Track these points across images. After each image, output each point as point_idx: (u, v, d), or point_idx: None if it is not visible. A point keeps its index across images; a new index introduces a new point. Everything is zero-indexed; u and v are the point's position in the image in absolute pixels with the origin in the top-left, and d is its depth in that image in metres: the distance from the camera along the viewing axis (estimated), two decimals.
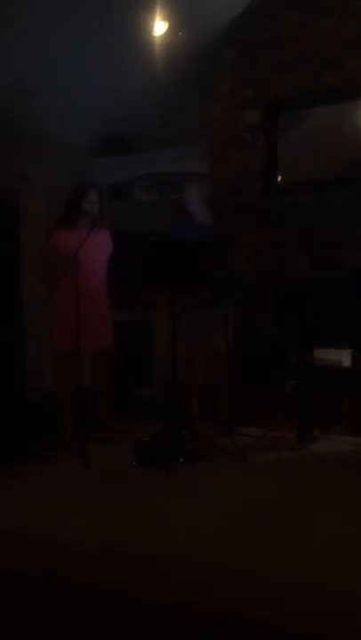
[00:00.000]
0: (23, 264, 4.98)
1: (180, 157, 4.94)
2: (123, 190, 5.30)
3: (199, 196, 4.06)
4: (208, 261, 3.37)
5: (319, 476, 3.19)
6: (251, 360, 4.23)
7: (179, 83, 4.73)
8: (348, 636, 1.90)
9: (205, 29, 4.62)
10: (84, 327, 3.58)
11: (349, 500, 2.84)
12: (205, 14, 4.50)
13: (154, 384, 4.96)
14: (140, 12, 4.11)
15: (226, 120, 4.85)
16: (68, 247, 3.60)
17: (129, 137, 5.30)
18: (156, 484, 3.09)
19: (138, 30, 4.23)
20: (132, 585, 2.20)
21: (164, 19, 4.21)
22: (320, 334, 3.66)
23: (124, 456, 3.45)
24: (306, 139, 4.49)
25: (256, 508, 2.78)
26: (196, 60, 4.68)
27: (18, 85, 4.22)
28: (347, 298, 3.58)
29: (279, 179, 4.63)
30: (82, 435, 3.55)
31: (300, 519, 2.63)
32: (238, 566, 2.23)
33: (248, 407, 4.07)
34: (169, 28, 4.28)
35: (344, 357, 4.15)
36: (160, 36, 4.32)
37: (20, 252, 4.99)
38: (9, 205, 4.95)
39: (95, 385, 4.12)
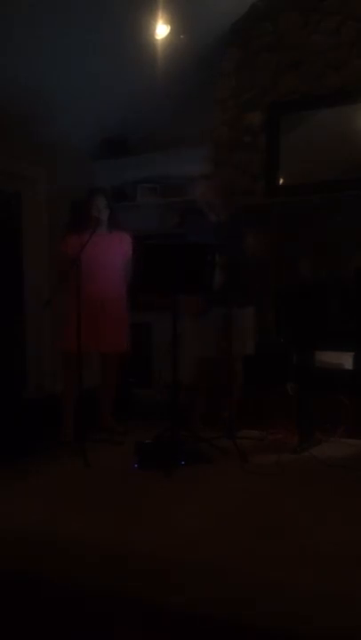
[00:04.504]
0: (24, 264, 4.99)
1: (182, 160, 4.94)
2: (124, 192, 5.31)
3: (211, 192, 4.06)
4: (211, 261, 3.38)
5: (320, 478, 3.18)
6: (252, 361, 4.23)
7: (180, 85, 4.74)
8: (349, 636, 1.89)
9: (207, 32, 4.64)
10: (94, 329, 3.62)
11: (350, 502, 2.84)
12: (207, 17, 4.52)
13: (153, 385, 4.96)
14: (141, 15, 4.13)
15: (227, 122, 4.86)
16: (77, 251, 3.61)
17: (130, 139, 5.31)
18: (156, 485, 3.09)
19: (140, 33, 4.24)
20: (132, 585, 2.19)
21: (166, 22, 4.23)
22: (321, 336, 3.66)
23: (124, 456, 3.45)
24: (307, 140, 4.50)
25: (256, 509, 2.78)
26: (198, 63, 4.70)
27: (19, 86, 4.23)
28: (348, 300, 3.58)
29: (281, 180, 4.64)
30: (82, 435, 3.55)
31: (300, 520, 2.62)
32: (238, 567, 2.22)
33: (249, 409, 4.07)
34: (171, 30, 4.29)
35: (345, 360, 4.15)
36: (162, 39, 4.33)
37: (21, 252, 4.99)
38: (10, 205, 4.95)
39: (101, 385, 4.12)
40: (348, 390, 3.91)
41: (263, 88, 4.71)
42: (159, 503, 2.86)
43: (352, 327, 3.49)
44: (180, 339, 3.51)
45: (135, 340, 4.17)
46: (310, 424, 3.75)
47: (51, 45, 4.04)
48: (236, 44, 4.80)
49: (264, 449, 3.68)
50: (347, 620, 1.92)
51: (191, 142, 4.84)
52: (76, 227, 3.90)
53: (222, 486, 3.11)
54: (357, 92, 4.33)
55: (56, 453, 3.65)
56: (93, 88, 4.58)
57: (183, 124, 4.94)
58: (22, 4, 3.67)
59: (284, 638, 1.93)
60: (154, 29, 4.25)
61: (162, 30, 4.27)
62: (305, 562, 2.22)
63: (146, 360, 5.10)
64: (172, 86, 4.69)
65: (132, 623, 2.08)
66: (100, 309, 3.82)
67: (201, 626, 2.01)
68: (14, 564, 2.39)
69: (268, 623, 1.95)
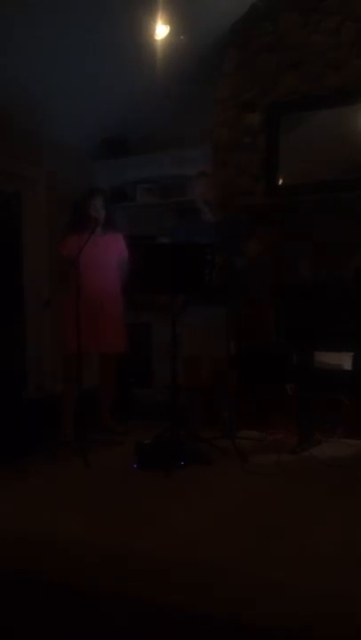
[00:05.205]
0: (24, 264, 4.99)
1: (182, 160, 4.94)
2: (124, 193, 5.31)
3: (210, 191, 4.05)
4: (211, 261, 3.38)
5: (320, 478, 3.19)
6: (251, 361, 4.23)
7: (180, 85, 4.74)
8: (349, 636, 1.89)
9: (207, 32, 4.63)
10: (94, 329, 3.62)
11: (350, 502, 2.84)
12: (207, 17, 4.51)
13: (153, 385, 4.96)
14: (141, 15, 4.12)
15: (227, 122, 4.86)
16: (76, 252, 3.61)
17: (130, 139, 5.31)
18: (156, 486, 3.09)
19: (139, 33, 4.24)
20: (132, 585, 2.19)
21: (166, 22, 4.23)
22: (321, 336, 3.66)
23: (124, 456, 3.45)
24: (307, 140, 4.50)
25: (256, 509, 2.78)
26: (198, 63, 4.69)
27: (19, 86, 4.23)
28: (348, 300, 3.58)
29: (280, 180, 4.64)
30: (82, 435, 3.55)
31: (299, 520, 2.63)
32: (238, 566, 2.22)
33: (249, 409, 4.07)
34: (170, 31, 4.29)
35: (345, 360, 4.15)
36: (162, 39, 4.33)
37: (21, 252, 4.99)
38: (10, 206, 4.95)
39: (100, 385, 4.13)
40: (348, 390, 3.91)
41: (263, 88, 4.71)
42: (159, 503, 2.86)
43: (352, 327, 3.49)
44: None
45: (135, 340, 4.18)
46: (310, 424, 3.75)
47: (51, 45, 4.04)
48: (236, 44, 4.80)
49: (264, 449, 3.68)
50: (347, 621, 1.92)
51: (191, 142, 4.84)
52: (75, 227, 3.91)
53: (222, 486, 3.11)
54: (357, 91, 4.33)
55: (56, 453, 3.65)
56: (93, 88, 4.58)
57: (183, 124, 4.93)
58: (22, 4, 3.67)
59: (284, 638, 1.93)
60: (154, 30, 4.25)
61: (162, 30, 4.27)
62: (305, 562, 2.23)
63: (146, 360, 5.10)
64: (172, 86, 4.68)
65: (132, 623, 2.08)
66: (100, 309, 3.83)
67: (201, 626, 2.01)
68: (14, 563, 2.39)
69: (268, 623, 1.95)
